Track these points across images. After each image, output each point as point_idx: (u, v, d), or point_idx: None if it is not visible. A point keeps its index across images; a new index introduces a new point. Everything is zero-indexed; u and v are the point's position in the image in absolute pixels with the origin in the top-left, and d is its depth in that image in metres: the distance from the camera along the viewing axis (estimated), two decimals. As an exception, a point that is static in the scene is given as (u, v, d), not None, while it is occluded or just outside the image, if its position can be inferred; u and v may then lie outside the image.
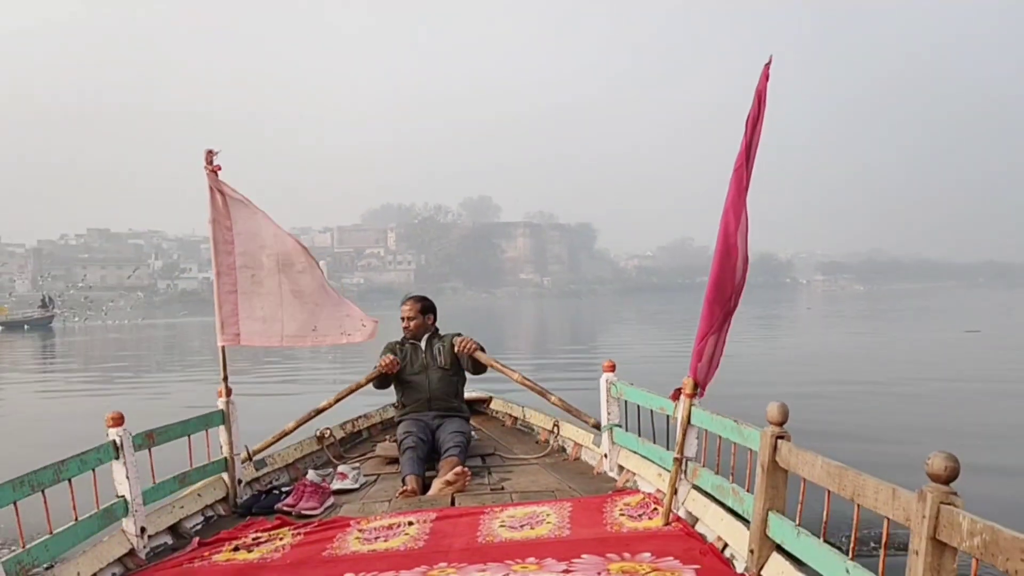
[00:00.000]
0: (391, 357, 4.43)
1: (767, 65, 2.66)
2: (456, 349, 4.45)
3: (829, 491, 2.04)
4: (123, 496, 2.94)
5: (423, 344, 4.54)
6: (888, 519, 1.77)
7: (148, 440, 3.17)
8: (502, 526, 3.07)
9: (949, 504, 1.55)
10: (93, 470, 2.82)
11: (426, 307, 4.60)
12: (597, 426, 4.07)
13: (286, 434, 4.26)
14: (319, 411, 4.38)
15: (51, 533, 2.56)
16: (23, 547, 2.41)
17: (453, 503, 3.52)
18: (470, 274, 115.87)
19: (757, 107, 2.68)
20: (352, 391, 4.49)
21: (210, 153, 3.65)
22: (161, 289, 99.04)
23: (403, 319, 4.55)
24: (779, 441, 2.29)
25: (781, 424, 2.32)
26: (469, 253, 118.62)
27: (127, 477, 2.94)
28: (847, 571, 1.91)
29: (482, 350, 4.45)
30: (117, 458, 2.93)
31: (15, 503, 2.41)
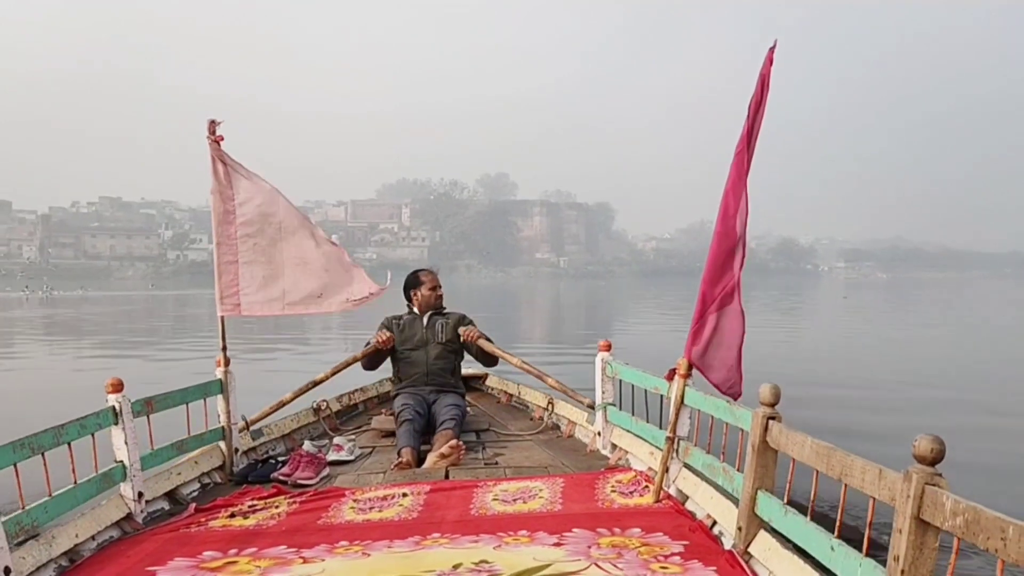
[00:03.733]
0: (387, 334, 4.44)
1: (771, 50, 2.65)
2: (462, 339, 4.46)
3: (817, 471, 2.06)
4: (121, 461, 2.98)
5: (425, 320, 4.52)
6: (874, 498, 1.80)
7: (147, 407, 3.20)
8: (495, 500, 3.11)
9: (934, 485, 1.57)
10: (92, 435, 2.85)
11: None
12: (593, 407, 4.09)
13: (284, 404, 4.28)
14: (316, 383, 4.41)
15: (50, 495, 2.59)
16: (23, 508, 2.44)
17: (447, 476, 3.55)
18: (485, 252, 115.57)
19: (760, 92, 2.69)
20: (348, 364, 4.51)
21: (212, 123, 3.63)
22: (171, 260, 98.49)
23: (434, 288, 4.53)
24: (770, 422, 2.32)
25: (773, 405, 2.35)
26: (485, 231, 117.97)
27: (126, 443, 2.97)
28: (832, 548, 1.94)
29: (487, 339, 4.50)
30: (116, 424, 2.96)
31: (15, 465, 2.44)
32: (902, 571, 1.60)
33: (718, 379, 2.90)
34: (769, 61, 2.65)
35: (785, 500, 2.23)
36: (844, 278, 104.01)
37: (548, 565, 2.32)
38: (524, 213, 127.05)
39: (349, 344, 14.37)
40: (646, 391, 3.55)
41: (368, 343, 4.50)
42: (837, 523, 1.98)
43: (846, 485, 1.91)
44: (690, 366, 2.93)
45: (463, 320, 4.59)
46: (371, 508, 3.05)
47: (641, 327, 21.94)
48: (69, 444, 2.70)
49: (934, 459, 1.59)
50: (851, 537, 1.96)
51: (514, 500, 3.09)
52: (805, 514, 2.12)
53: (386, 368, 4.70)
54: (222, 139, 3.66)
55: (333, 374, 4.44)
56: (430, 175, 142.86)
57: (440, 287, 4.59)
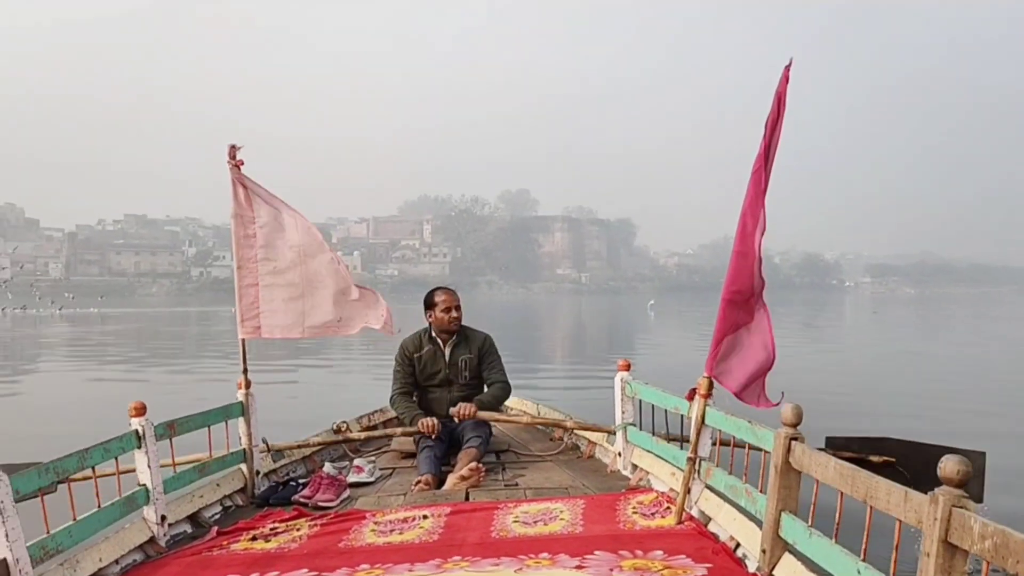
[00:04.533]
0: (433, 423, 4.10)
1: (787, 68, 2.65)
2: (456, 420, 4.19)
3: (842, 493, 2.03)
4: (144, 485, 2.99)
5: (447, 353, 4.36)
6: (900, 521, 1.77)
7: (169, 430, 3.22)
8: (516, 522, 3.09)
9: (961, 508, 1.55)
10: (116, 458, 2.88)
11: (458, 297, 4.44)
12: (614, 433, 4.06)
13: (309, 446, 4.34)
14: (347, 439, 4.53)
15: (74, 519, 2.61)
16: (47, 532, 2.46)
17: (467, 498, 3.54)
18: (506, 268, 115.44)
19: (777, 110, 2.69)
20: (385, 436, 4.67)
21: (233, 148, 3.68)
22: (194, 276, 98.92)
23: (448, 310, 4.30)
24: (793, 443, 2.30)
25: (795, 426, 2.33)
26: (506, 247, 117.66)
27: (149, 466, 2.99)
28: (859, 572, 1.91)
29: (488, 406, 4.30)
30: (139, 447, 2.98)
31: (40, 489, 2.47)
32: (930, 595, 1.57)
33: (750, 398, 2.86)
34: (785, 79, 2.65)
35: (809, 522, 2.20)
36: (870, 293, 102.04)
37: None
38: (545, 229, 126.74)
39: (371, 366, 14.37)
40: (666, 411, 3.52)
41: (406, 410, 4.37)
42: (863, 546, 1.95)
43: (871, 507, 1.89)
44: (711, 385, 2.90)
45: (487, 351, 4.43)
46: (392, 531, 3.04)
47: (664, 344, 21.76)
48: (93, 468, 2.72)
49: (961, 481, 1.57)
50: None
51: (535, 522, 3.07)
52: (830, 536, 2.09)
53: None
54: (242, 163, 3.70)
55: (367, 439, 4.61)
56: (451, 191, 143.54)
57: (458, 308, 4.35)
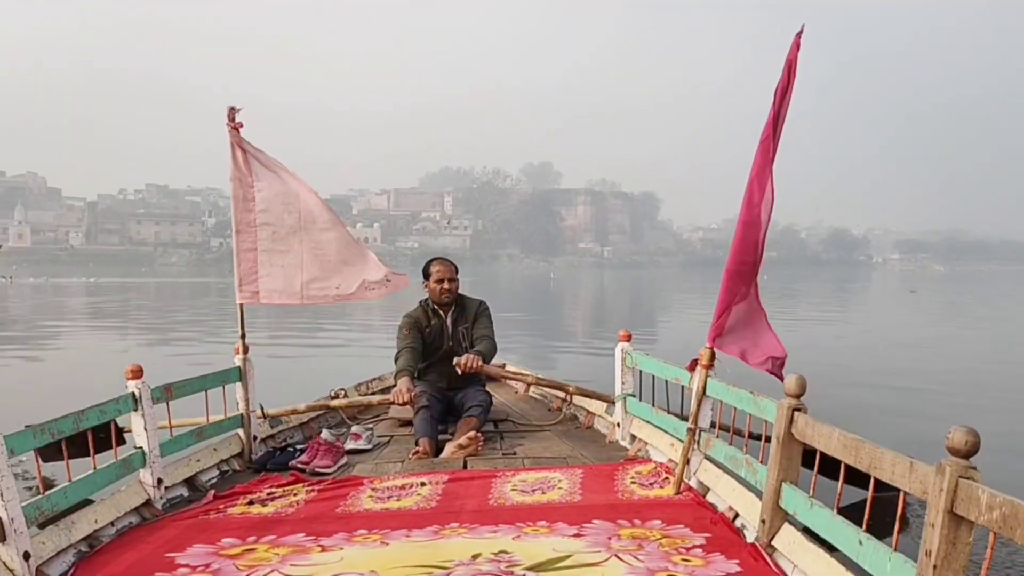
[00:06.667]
0: (408, 397, 3.91)
1: (798, 35, 2.60)
2: (460, 372, 4.04)
3: (844, 463, 2.00)
4: (141, 447, 2.98)
5: (449, 323, 4.33)
6: (904, 492, 1.75)
7: (166, 394, 3.20)
8: (514, 490, 3.08)
9: (968, 478, 1.53)
10: (112, 420, 2.86)
11: (456, 269, 4.39)
12: (614, 402, 4.03)
13: (297, 413, 4.30)
14: (331, 407, 4.51)
15: (70, 481, 2.60)
16: (43, 493, 2.45)
17: (465, 466, 3.53)
18: (528, 241, 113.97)
19: (787, 77, 2.64)
20: (368, 405, 4.70)
21: (232, 110, 3.62)
22: (214, 247, 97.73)
23: (440, 281, 4.24)
24: (796, 413, 2.27)
25: (798, 396, 2.30)
26: (527, 220, 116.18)
27: (145, 429, 2.97)
28: (860, 543, 1.89)
29: (486, 360, 4.19)
30: (136, 410, 2.96)
31: (35, 450, 2.45)
32: (934, 566, 1.55)
33: (757, 362, 2.80)
34: (796, 46, 2.61)
35: (811, 493, 2.18)
36: (899, 270, 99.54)
37: (568, 556, 2.29)
38: (568, 202, 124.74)
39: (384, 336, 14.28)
40: (667, 382, 3.50)
41: (394, 378, 4.26)
42: (865, 516, 1.93)
43: (875, 478, 1.85)
44: (712, 356, 2.87)
45: (479, 314, 4.38)
46: (389, 497, 3.04)
47: (684, 319, 21.47)
48: (89, 430, 2.71)
49: (968, 451, 1.54)
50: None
51: (533, 491, 3.06)
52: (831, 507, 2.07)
53: None
54: (241, 126, 3.65)
55: (350, 406, 4.59)
56: (473, 164, 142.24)
57: (453, 280, 4.29)
